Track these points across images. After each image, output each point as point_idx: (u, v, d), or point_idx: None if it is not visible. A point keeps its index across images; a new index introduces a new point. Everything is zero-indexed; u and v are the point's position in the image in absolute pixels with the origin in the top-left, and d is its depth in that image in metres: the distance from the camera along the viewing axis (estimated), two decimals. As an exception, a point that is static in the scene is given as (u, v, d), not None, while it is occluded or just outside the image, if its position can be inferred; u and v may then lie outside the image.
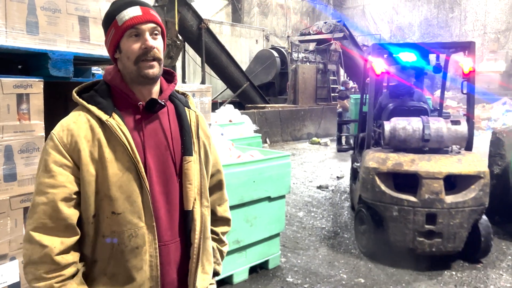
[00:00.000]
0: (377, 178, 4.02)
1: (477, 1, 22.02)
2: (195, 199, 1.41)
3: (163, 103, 1.38)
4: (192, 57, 14.01)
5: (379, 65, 4.53)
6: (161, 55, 1.36)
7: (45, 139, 2.12)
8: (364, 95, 5.71)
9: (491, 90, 18.86)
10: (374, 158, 4.14)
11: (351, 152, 6.82)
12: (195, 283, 1.41)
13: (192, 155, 1.42)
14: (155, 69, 1.34)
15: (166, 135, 1.40)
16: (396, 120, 4.19)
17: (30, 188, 2.09)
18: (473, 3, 22.23)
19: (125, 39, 1.33)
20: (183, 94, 1.57)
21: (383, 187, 4.00)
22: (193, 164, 1.41)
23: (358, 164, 5.17)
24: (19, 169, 2.06)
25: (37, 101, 2.10)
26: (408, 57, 4.68)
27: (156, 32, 1.35)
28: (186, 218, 1.41)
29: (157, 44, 1.35)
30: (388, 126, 4.18)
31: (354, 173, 5.50)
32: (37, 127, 2.12)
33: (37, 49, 2.14)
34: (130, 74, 1.35)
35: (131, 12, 1.32)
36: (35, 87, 2.08)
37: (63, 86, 2.45)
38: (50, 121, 2.21)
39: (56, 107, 2.49)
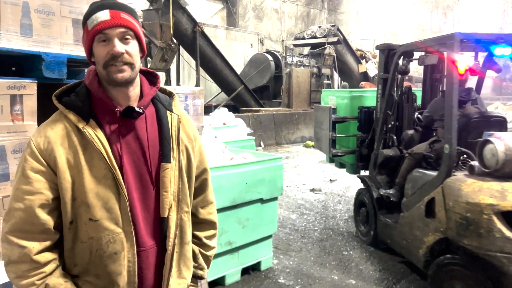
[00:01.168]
0: (496, 220, 2.97)
1: (470, 6, 22.28)
2: (171, 206, 1.41)
3: (140, 110, 1.36)
4: (186, 60, 14.06)
5: (463, 62, 3.53)
6: (133, 59, 1.33)
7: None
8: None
9: (483, 94, 19.03)
10: (484, 191, 3.05)
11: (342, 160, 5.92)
12: None
13: (169, 162, 1.40)
14: (125, 73, 1.31)
15: (142, 142, 1.38)
16: (508, 137, 3.19)
17: (23, 188, 2.11)
18: (465, 8, 22.49)
19: (95, 44, 1.31)
20: (170, 94, 1.54)
21: (506, 231, 2.94)
22: (170, 171, 1.40)
23: (391, 192, 4.33)
24: (12, 169, 2.08)
25: (31, 102, 2.13)
26: (503, 51, 3.67)
27: (127, 36, 1.32)
28: (161, 224, 1.41)
29: (129, 48, 1.32)
30: (501, 145, 3.08)
31: (380, 203, 4.52)
32: (30, 127, 2.14)
33: (31, 51, 2.17)
34: (103, 78, 1.34)
35: (100, 17, 1.29)
36: (29, 88, 2.11)
37: (56, 87, 2.47)
38: (43, 122, 2.24)
39: (49, 108, 2.50)
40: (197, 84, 12.96)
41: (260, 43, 18.56)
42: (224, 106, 12.20)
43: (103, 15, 1.29)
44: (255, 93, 14.91)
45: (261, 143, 11.65)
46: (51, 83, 2.32)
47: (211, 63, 13.15)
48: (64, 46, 2.32)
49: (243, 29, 19.56)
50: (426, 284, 3.79)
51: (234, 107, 13.66)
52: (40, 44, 2.21)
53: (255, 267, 4.03)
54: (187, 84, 14.70)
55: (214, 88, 14.77)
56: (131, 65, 1.32)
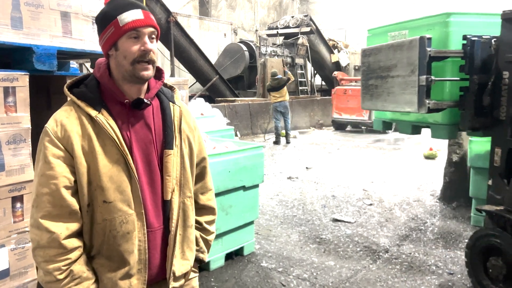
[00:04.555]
0: None
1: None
2: (173, 190, 1.50)
3: (148, 102, 1.48)
4: (160, 50, 13.91)
5: None
6: (155, 57, 1.44)
7: (31, 131, 2.20)
8: None
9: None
10: None
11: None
12: (171, 268, 1.52)
13: (172, 149, 1.50)
14: (150, 72, 1.43)
15: (150, 130, 1.48)
16: None
17: (18, 178, 2.16)
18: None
19: (124, 39, 1.40)
20: (171, 87, 1.65)
21: None
22: (172, 157, 1.50)
23: None
24: (7, 160, 2.12)
25: (23, 94, 2.16)
26: None
27: (153, 36, 1.44)
28: (165, 207, 1.52)
29: (154, 47, 1.43)
30: None
31: None
32: (23, 119, 2.18)
33: (22, 43, 2.20)
34: (124, 73, 1.43)
35: (134, 15, 1.39)
36: (21, 80, 2.15)
37: (45, 79, 2.51)
38: (34, 114, 2.29)
39: (38, 100, 2.54)
40: (172, 75, 12.90)
41: (233, 33, 18.54)
42: (199, 96, 12.21)
43: (137, 14, 1.40)
44: (230, 83, 14.95)
45: (237, 133, 11.75)
46: (39, 75, 2.36)
47: (186, 53, 13.09)
48: (53, 39, 2.35)
49: (216, 18, 19.47)
50: (401, 262, 4.02)
51: (209, 98, 13.67)
52: (30, 36, 2.24)
53: (238, 252, 4.16)
54: (161, 74, 14.58)
55: (189, 78, 14.72)
56: (153, 63, 1.44)
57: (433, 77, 3.40)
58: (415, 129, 4.28)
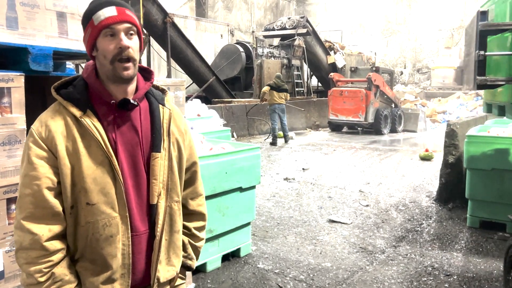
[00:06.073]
0: None
1: (433, -1, 22.97)
2: (160, 194, 1.47)
3: (135, 103, 1.43)
4: (157, 51, 13.91)
5: None
6: (135, 54, 1.41)
7: (27, 132, 2.18)
8: None
9: (446, 84, 19.83)
10: None
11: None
12: (156, 273, 1.49)
13: (159, 152, 1.47)
14: (130, 71, 1.40)
15: (137, 132, 1.45)
16: None
17: (13, 180, 2.14)
18: (429, 0, 23.16)
19: (101, 38, 1.38)
20: (162, 90, 1.61)
21: None
22: (160, 161, 1.47)
23: None
24: (1, 161, 2.10)
25: (18, 95, 2.14)
26: None
27: (131, 32, 1.41)
28: (151, 211, 1.48)
29: (132, 44, 1.40)
30: None
31: None
32: (18, 120, 2.16)
33: (18, 43, 2.18)
34: (106, 73, 1.41)
35: (107, 12, 1.37)
36: (16, 81, 2.13)
37: (40, 80, 2.49)
38: (29, 115, 2.26)
39: (33, 101, 2.52)
40: (168, 76, 12.88)
41: (230, 34, 18.54)
42: (196, 97, 12.19)
43: (110, 11, 1.38)
44: (226, 84, 14.94)
45: (234, 134, 11.73)
46: (35, 75, 2.34)
47: (182, 54, 13.07)
48: (49, 39, 2.33)
49: (212, 19, 19.46)
50: (398, 263, 4.02)
51: (206, 99, 13.65)
52: (25, 37, 2.22)
53: (235, 254, 4.16)
54: (157, 75, 14.56)
55: (185, 79, 14.69)
56: (134, 60, 1.41)
57: (481, 52, 3.17)
58: (502, 109, 3.87)
